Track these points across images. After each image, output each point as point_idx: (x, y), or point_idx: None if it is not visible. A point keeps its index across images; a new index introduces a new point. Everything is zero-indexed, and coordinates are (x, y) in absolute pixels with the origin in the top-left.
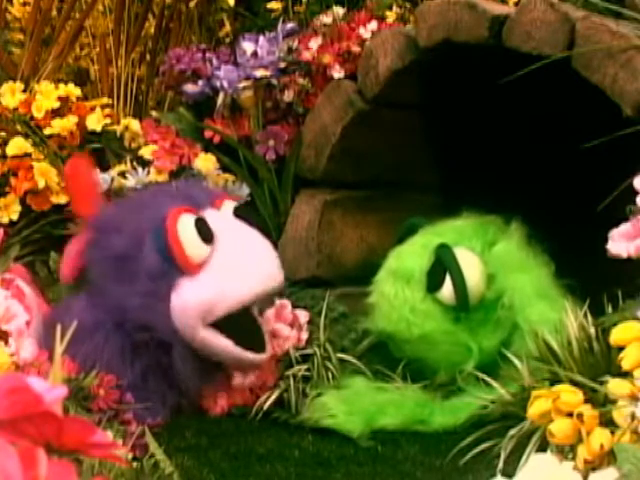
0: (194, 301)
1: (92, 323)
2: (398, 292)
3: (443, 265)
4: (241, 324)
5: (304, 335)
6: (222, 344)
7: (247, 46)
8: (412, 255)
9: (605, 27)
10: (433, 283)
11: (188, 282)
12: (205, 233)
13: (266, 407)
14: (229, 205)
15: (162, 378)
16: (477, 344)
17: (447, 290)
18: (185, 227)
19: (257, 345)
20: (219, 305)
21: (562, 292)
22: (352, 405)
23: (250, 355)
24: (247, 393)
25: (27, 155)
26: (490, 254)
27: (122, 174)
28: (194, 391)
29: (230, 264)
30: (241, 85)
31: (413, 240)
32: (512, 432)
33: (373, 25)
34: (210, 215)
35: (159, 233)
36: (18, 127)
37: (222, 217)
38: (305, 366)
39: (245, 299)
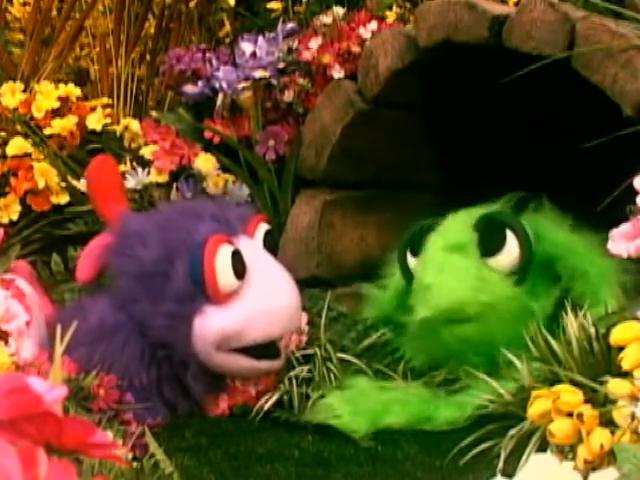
0: (215, 329)
1: (113, 324)
2: (456, 263)
3: (499, 228)
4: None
5: (305, 337)
6: (240, 363)
7: (246, 47)
8: (456, 231)
9: (605, 27)
10: (490, 248)
11: (213, 310)
12: (239, 268)
13: (267, 407)
14: (261, 230)
15: (176, 387)
16: (538, 303)
17: (505, 254)
18: (222, 259)
19: (272, 352)
20: (238, 338)
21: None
22: (357, 405)
23: (266, 364)
24: (248, 394)
25: (27, 155)
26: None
27: (122, 174)
28: (204, 400)
29: (257, 301)
30: (240, 86)
31: (448, 222)
32: (512, 432)
33: (373, 25)
34: (244, 245)
35: (195, 259)
36: (18, 127)
37: (254, 248)
38: (306, 367)
39: (264, 338)
